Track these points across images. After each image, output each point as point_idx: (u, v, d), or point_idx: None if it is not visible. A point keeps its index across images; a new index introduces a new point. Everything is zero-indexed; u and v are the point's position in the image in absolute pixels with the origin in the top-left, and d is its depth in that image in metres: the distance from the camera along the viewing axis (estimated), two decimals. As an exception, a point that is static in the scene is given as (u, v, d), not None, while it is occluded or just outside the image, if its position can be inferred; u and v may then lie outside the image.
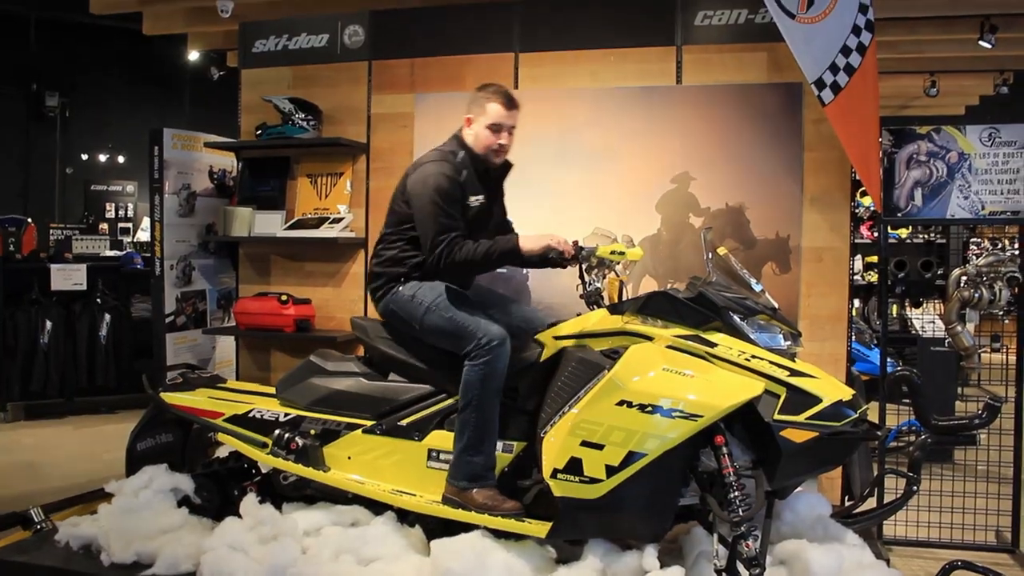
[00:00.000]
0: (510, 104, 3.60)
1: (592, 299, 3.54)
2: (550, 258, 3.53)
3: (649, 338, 3.26)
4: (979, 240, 9.78)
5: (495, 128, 3.58)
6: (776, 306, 3.40)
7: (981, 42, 6.95)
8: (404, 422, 3.64)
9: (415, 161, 3.75)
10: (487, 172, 3.70)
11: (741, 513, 2.95)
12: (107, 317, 7.51)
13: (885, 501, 3.93)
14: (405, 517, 3.57)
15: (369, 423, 3.69)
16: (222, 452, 4.32)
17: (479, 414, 3.40)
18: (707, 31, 4.60)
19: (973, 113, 10.25)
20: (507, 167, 3.81)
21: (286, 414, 3.83)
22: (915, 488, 3.41)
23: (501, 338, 3.42)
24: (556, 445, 3.16)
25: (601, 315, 3.48)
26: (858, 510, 3.69)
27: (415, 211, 3.57)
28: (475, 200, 3.61)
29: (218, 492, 4.03)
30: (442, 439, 3.55)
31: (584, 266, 3.54)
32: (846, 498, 4.34)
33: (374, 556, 3.36)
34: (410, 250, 3.66)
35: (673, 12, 4.62)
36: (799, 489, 3.56)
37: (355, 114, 5.10)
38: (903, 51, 7.68)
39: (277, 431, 3.75)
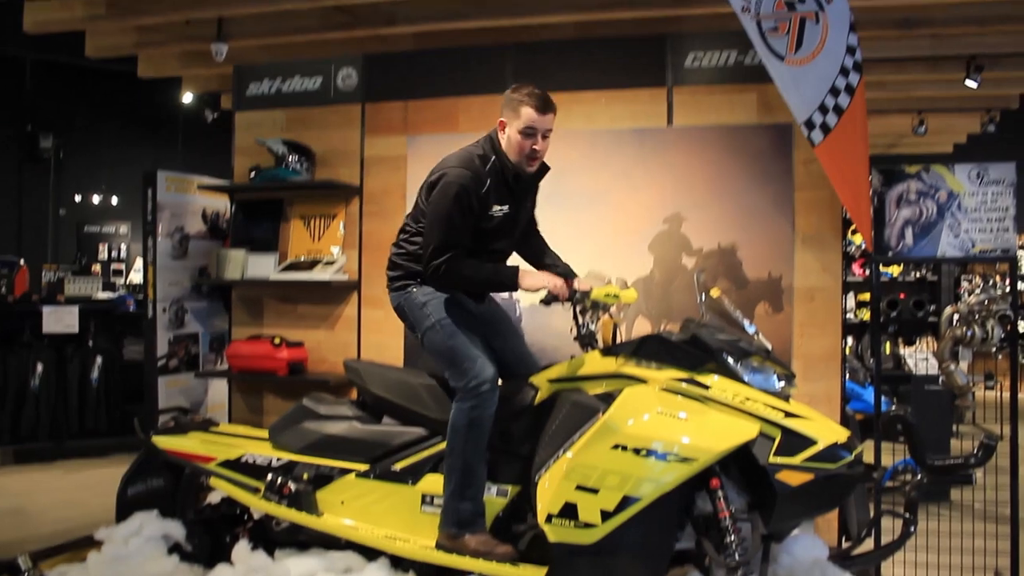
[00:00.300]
0: (545, 107, 3.40)
1: (586, 341, 3.53)
2: (544, 299, 3.52)
3: (643, 381, 3.25)
4: (970, 277, 9.82)
5: (528, 133, 3.39)
6: (770, 348, 3.40)
7: (967, 81, 7.04)
8: (398, 466, 3.62)
9: (443, 160, 3.57)
10: (518, 177, 3.53)
11: (737, 557, 2.93)
12: (99, 360, 7.46)
13: (882, 542, 3.90)
14: (399, 563, 3.53)
15: (363, 467, 3.67)
16: (214, 498, 4.28)
17: (465, 460, 3.35)
18: (697, 73, 4.64)
19: (961, 151, 10.35)
20: (543, 170, 3.66)
21: (279, 459, 3.80)
22: (912, 528, 3.38)
23: (492, 383, 3.38)
24: (551, 489, 3.14)
25: (595, 358, 3.47)
26: (855, 552, 3.67)
27: (428, 213, 3.45)
28: (499, 210, 3.47)
29: (210, 539, 3.99)
30: (436, 483, 3.52)
31: (578, 308, 3.53)
32: (843, 539, 4.30)
33: (367, 603, 3.32)
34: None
35: (663, 54, 4.67)
36: (795, 532, 3.53)
37: (348, 156, 5.12)
38: (891, 91, 7.77)
39: (270, 476, 3.72)
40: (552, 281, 3.46)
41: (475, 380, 3.37)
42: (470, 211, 3.39)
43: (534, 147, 3.41)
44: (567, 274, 3.67)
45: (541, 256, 3.84)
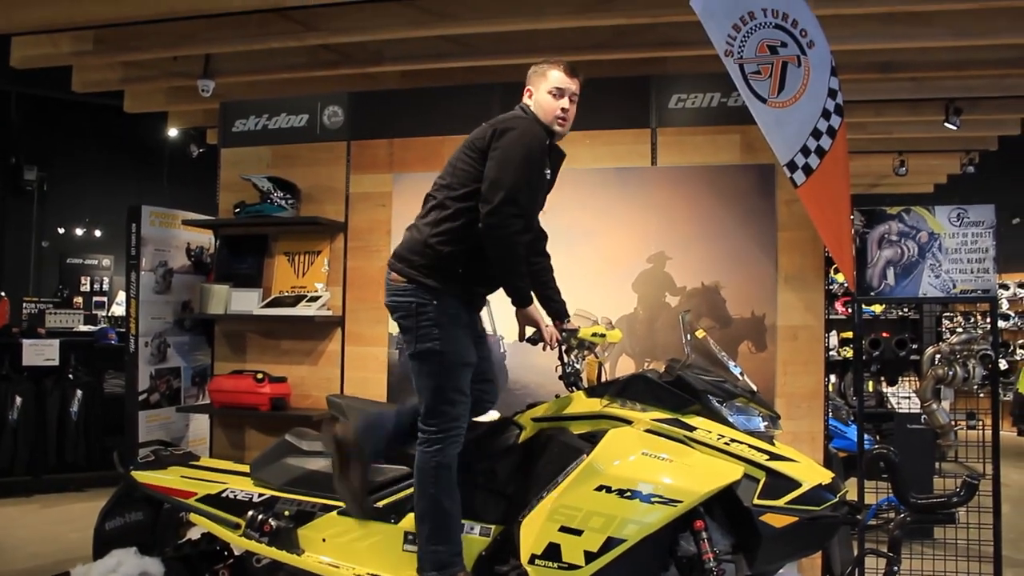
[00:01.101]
0: (572, 71, 3.37)
1: (571, 381, 3.53)
2: (530, 337, 3.52)
3: (628, 422, 3.24)
4: (952, 315, 9.91)
5: (557, 93, 3.33)
6: (755, 389, 3.41)
7: (947, 124, 7.15)
8: (381, 504, 3.58)
9: (499, 118, 3.38)
10: (552, 143, 3.43)
11: (721, 598, 2.91)
12: (79, 393, 7.39)
13: (866, 583, 3.89)
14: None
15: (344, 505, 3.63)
16: (194, 533, 4.23)
17: (436, 503, 3.27)
18: (681, 114, 4.70)
19: (942, 191, 10.48)
20: (561, 156, 3.55)
21: (260, 494, 3.76)
22: (896, 568, 3.39)
23: (463, 425, 3.31)
24: (534, 530, 3.12)
25: (580, 398, 3.46)
26: (839, 592, 3.66)
27: (499, 156, 3.20)
28: (547, 174, 3.42)
29: (189, 575, 3.94)
30: None
31: (564, 347, 3.53)
32: (827, 579, 4.29)
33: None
34: (462, 237, 3.30)
35: (647, 95, 4.73)
36: (779, 572, 3.52)
37: (333, 193, 5.13)
38: (872, 132, 7.89)
39: (250, 512, 3.68)
40: (549, 331, 3.41)
41: (452, 423, 3.28)
42: (541, 165, 3.33)
43: (563, 106, 3.35)
44: (560, 314, 3.65)
45: (543, 280, 3.72)
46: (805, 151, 4.05)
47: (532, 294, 3.41)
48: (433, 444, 3.27)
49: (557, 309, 3.65)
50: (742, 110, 4.21)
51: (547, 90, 3.34)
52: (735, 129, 4.59)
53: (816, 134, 4.06)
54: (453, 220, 3.30)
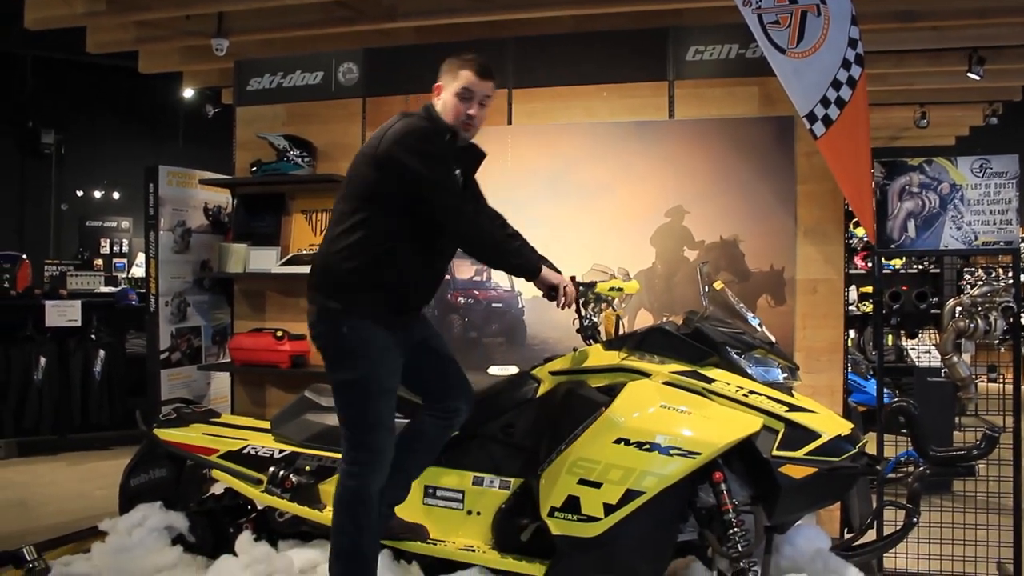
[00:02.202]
0: (484, 72, 3.11)
1: (589, 334, 3.53)
2: (547, 293, 3.50)
3: (646, 374, 3.25)
4: (973, 269, 9.82)
5: (464, 96, 3.08)
6: (773, 340, 3.40)
7: (969, 74, 7.02)
8: None
9: (386, 128, 3.12)
10: (458, 145, 3.19)
11: (740, 549, 2.94)
12: (102, 353, 7.47)
13: (885, 533, 3.90)
14: (401, 555, 3.54)
15: None
16: (217, 488, 4.29)
17: (352, 545, 3.06)
18: (699, 66, 4.64)
19: (964, 144, 10.33)
20: (479, 156, 3.32)
21: (281, 450, 3.80)
22: (915, 520, 3.39)
23: (385, 457, 3.09)
24: (553, 483, 3.14)
25: (598, 351, 3.47)
26: (858, 543, 3.67)
27: (414, 159, 2.96)
28: (457, 173, 3.15)
29: (213, 530, 4.00)
30: (439, 475, 3.53)
31: (581, 301, 3.53)
32: (845, 531, 4.31)
33: (371, 595, 3.32)
34: (362, 251, 3.04)
35: (665, 48, 4.67)
36: (798, 523, 3.54)
37: (349, 150, 5.05)
38: (893, 83, 7.76)
39: (272, 468, 3.73)
40: (565, 284, 3.25)
41: (371, 455, 3.06)
42: (448, 159, 3.10)
43: (469, 112, 3.09)
44: (534, 271, 3.42)
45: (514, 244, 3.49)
46: (825, 102, 3.99)
47: (536, 261, 3.26)
48: (352, 477, 3.06)
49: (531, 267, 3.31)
50: (760, 61, 4.15)
51: (455, 91, 3.09)
52: (753, 81, 4.54)
53: (836, 84, 4.00)
54: (350, 233, 3.04)
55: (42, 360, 7.23)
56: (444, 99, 3.12)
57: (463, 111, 3.10)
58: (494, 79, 3.17)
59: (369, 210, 3.03)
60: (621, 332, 3.62)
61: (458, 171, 3.14)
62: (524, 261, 3.21)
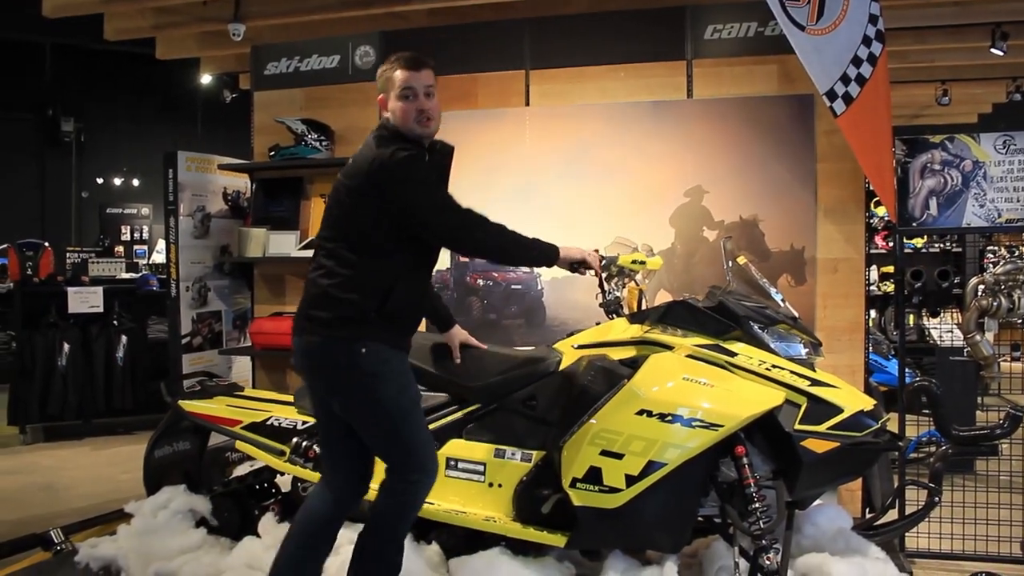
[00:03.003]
0: (413, 63, 2.98)
1: (611, 308, 3.53)
2: (575, 269, 3.49)
3: (669, 347, 3.25)
4: (995, 248, 9.72)
5: (407, 95, 2.94)
6: (796, 315, 3.39)
7: (992, 50, 6.92)
8: None
9: (356, 158, 3.03)
10: (437, 162, 3.09)
11: (762, 525, 2.94)
12: (124, 339, 7.54)
13: (906, 513, 3.89)
14: (423, 535, 3.56)
15: None
16: (240, 471, 4.33)
17: (385, 551, 3.02)
18: (717, 45, 4.61)
19: (986, 121, 10.20)
20: (447, 152, 3.17)
21: (304, 422, 3.82)
22: (937, 499, 3.38)
23: (433, 473, 3.00)
24: (575, 454, 3.15)
25: (621, 324, 3.47)
26: (879, 522, 3.67)
27: (399, 196, 2.88)
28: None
29: (237, 511, 4.03)
30: (460, 448, 3.54)
31: (604, 275, 3.52)
32: (867, 510, 4.30)
33: (393, 575, 3.34)
34: (360, 284, 2.90)
35: (683, 26, 4.64)
36: (819, 502, 3.53)
37: (367, 134, 5.09)
38: (914, 60, 7.66)
39: (295, 439, 3.74)
40: (588, 254, 3.23)
41: (422, 473, 2.97)
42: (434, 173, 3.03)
43: (419, 107, 2.94)
44: (449, 320, 3.61)
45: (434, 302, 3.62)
46: (845, 79, 3.96)
47: (550, 245, 3.14)
48: (404, 494, 2.98)
49: (445, 317, 3.59)
50: (780, 39, 4.12)
51: (396, 96, 2.96)
52: (773, 59, 4.51)
53: (856, 61, 3.97)
54: (348, 267, 2.91)
55: (65, 346, 7.31)
56: (391, 108, 2.98)
57: (412, 110, 2.95)
58: (428, 66, 3.01)
59: (363, 243, 2.91)
60: (643, 307, 3.62)
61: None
62: (541, 249, 3.12)
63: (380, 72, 3.04)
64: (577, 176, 4.69)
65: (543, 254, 3.14)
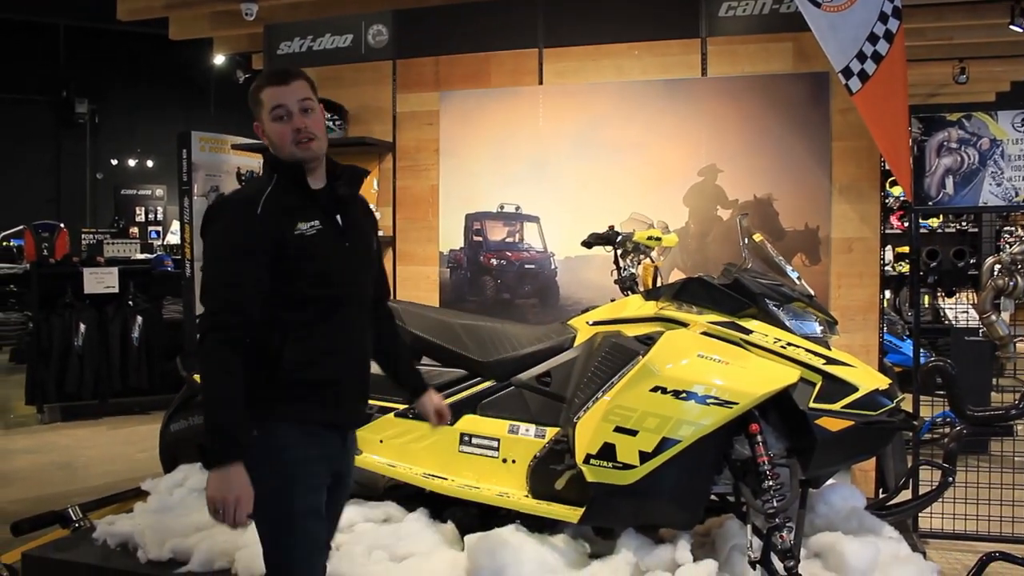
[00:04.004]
0: (281, 77, 2.46)
1: (627, 284, 3.53)
2: (584, 241, 3.43)
3: (684, 324, 3.24)
4: (1012, 228, 9.65)
5: (278, 115, 2.40)
6: (812, 293, 3.38)
7: (1012, 26, 6.84)
8: None
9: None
10: (331, 193, 2.46)
11: (776, 503, 2.94)
12: (139, 319, 7.60)
13: (920, 493, 3.89)
14: (438, 513, 3.58)
15: (401, 407, 3.67)
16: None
17: None
18: (732, 22, 4.57)
19: (1005, 99, 10.10)
20: (355, 179, 2.54)
21: None
22: (951, 479, 3.37)
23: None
24: (589, 431, 3.15)
25: (636, 301, 3.47)
26: (893, 502, 3.66)
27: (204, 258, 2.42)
28: (306, 227, 2.36)
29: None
30: (474, 424, 3.56)
31: (620, 251, 3.51)
32: (880, 490, 4.29)
33: (407, 552, 3.37)
34: (264, 338, 2.32)
35: (697, 4, 4.60)
36: (832, 481, 3.53)
37: (380, 113, 5.12)
38: (931, 38, 7.59)
39: None
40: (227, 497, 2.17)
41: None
42: (247, 243, 2.30)
43: (295, 127, 2.39)
44: (419, 388, 2.78)
45: (391, 350, 2.75)
46: (861, 57, 3.93)
47: (228, 445, 2.21)
48: None
49: (416, 387, 2.78)
50: (795, 16, 4.09)
51: (269, 117, 2.42)
52: (788, 36, 4.46)
53: (872, 39, 3.93)
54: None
55: (82, 327, 7.37)
56: (267, 132, 2.45)
57: (289, 130, 2.41)
58: (299, 77, 2.47)
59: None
60: (658, 284, 3.61)
61: (315, 222, 2.37)
62: (230, 424, 2.21)
63: (250, 99, 2.50)
64: (590, 155, 4.67)
65: (219, 434, 2.21)
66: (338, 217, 2.44)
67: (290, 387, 2.34)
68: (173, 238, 11.85)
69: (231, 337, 2.24)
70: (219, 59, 8.94)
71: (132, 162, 15.47)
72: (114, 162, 15.33)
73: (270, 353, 2.32)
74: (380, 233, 3.32)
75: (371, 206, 2.69)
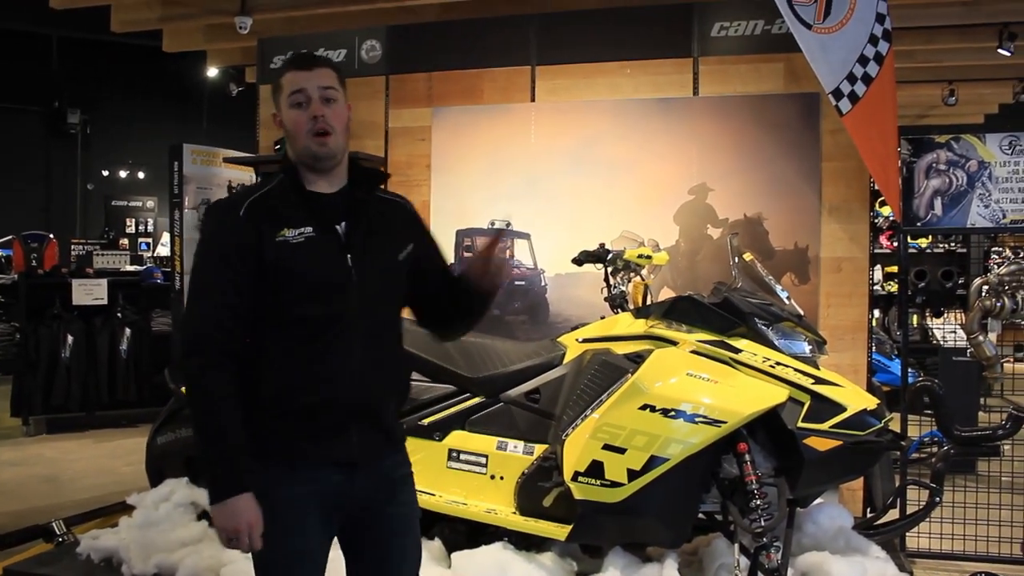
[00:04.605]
0: (303, 62, 2.19)
1: (617, 302, 3.54)
2: (575, 259, 3.44)
3: (674, 343, 3.25)
4: (1000, 249, 9.71)
5: (297, 101, 2.12)
6: (801, 313, 3.39)
7: (1000, 50, 6.91)
8: (425, 422, 3.62)
9: None
10: (351, 196, 2.18)
11: (763, 522, 2.94)
12: (127, 331, 7.56)
13: (907, 512, 3.89)
14: (425, 530, 3.56)
15: None
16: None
17: None
18: (724, 42, 4.60)
19: (992, 122, 10.18)
20: (374, 179, 2.28)
21: None
22: (938, 499, 3.38)
23: None
24: (578, 448, 3.16)
25: (626, 319, 3.48)
26: (880, 522, 3.67)
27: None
28: (294, 234, 2.07)
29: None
30: (463, 440, 3.55)
31: (610, 269, 3.52)
32: (868, 510, 4.30)
33: (395, 568, 3.35)
34: (251, 358, 2.08)
35: (689, 24, 4.64)
36: (820, 501, 3.54)
37: (373, 128, 5.12)
38: (921, 60, 7.65)
39: None
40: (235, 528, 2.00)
41: None
42: (222, 252, 2.07)
43: (314, 115, 2.11)
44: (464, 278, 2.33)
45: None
46: (851, 78, 3.96)
47: (241, 479, 2.01)
48: None
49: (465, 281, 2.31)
50: (786, 37, 4.12)
51: (287, 103, 2.15)
52: (779, 57, 4.50)
53: (863, 60, 3.96)
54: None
55: (69, 338, 7.33)
56: (284, 122, 2.17)
57: (305, 119, 2.12)
58: (323, 64, 2.21)
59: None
60: (648, 301, 3.62)
61: (307, 228, 2.09)
62: (227, 462, 2.01)
63: (272, 83, 2.26)
64: (581, 172, 4.69)
65: (216, 472, 2.02)
66: (341, 226, 2.12)
67: (276, 418, 2.08)
68: (163, 250, 11.82)
69: (211, 361, 2.01)
70: (212, 72, 8.94)
71: (123, 173, 15.44)
72: (105, 173, 15.30)
73: (253, 378, 2.07)
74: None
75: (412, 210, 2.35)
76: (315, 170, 2.15)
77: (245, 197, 2.14)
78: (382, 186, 2.32)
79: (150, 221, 14.79)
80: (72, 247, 11.10)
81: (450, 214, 4.88)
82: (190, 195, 5.57)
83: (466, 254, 4.85)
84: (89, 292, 7.41)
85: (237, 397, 2.03)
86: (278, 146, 5.17)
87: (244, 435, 2.01)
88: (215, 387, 2.02)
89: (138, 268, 9.44)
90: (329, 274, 2.09)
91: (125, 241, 13.85)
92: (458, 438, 3.56)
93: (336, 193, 2.17)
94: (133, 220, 14.70)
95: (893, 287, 8.56)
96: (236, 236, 2.06)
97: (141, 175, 15.56)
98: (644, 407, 3.05)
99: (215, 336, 2.03)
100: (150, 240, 14.38)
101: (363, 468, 2.13)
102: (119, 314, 7.57)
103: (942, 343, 6.98)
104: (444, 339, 2.59)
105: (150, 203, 14.98)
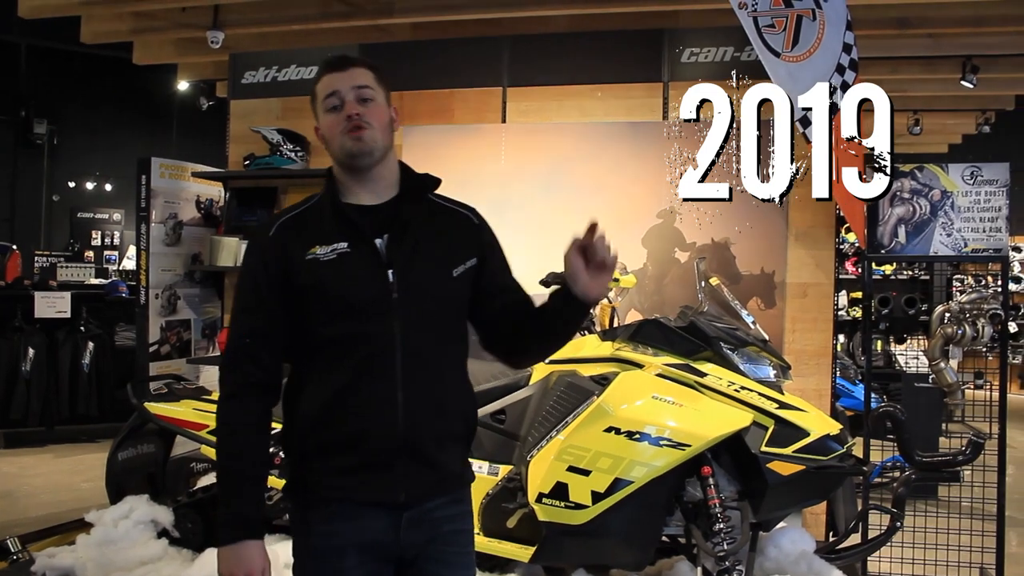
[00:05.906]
0: (336, 64, 2.07)
1: (584, 324, 3.54)
2: (543, 280, 3.46)
3: (639, 365, 3.27)
4: (963, 277, 9.87)
5: (333, 103, 2.00)
6: (767, 338, 3.43)
7: (963, 82, 7.05)
8: None
9: None
10: (396, 207, 2.02)
11: (726, 546, 2.95)
12: (91, 345, 7.45)
13: (869, 537, 3.92)
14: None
15: None
16: (205, 481, 4.29)
17: None
18: (693, 68, 4.66)
19: (956, 151, 10.38)
20: (424, 185, 2.14)
21: (273, 428, 3.77)
22: (899, 524, 3.41)
23: None
24: (542, 470, 3.16)
25: (592, 341, 3.49)
26: (842, 546, 3.69)
27: None
28: (325, 251, 1.92)
29: (200, 522, 3.99)
30: None
31: None
32: (830, 534, 4.32)
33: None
34: (289, 384, 2.03)
35: (660, 49, 4.69)
36: (783, 524, 3.56)
37: (344, 145, 5.10)
38: (887, 89, 7.65)
39: None
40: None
41: None
42: (254, 274, 1.98)
43: (349, 114, 1.97)
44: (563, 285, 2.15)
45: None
46: (818, 106, 4.00)
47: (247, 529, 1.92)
48: None
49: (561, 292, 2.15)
50: (755, 64, 4.17)
51: (323, 108, 2.03)
52: (748, 84, 4.54)
53: (830, 89, 4.01)
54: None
55: (30, 351, 7.21)
56: (321, 126, 2.05)
57: (340, 121, 1.99)
58: (358, 65, 2.08)
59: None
60: (615, 324, 3.64)
61: (343, 244, 1.93)
62: (231, 513, 1.91)
63: (310, 91, 2.14)
64: (552, 193, 4.71)
65: (223, 519, 1.92)
66: (382, 239, 1.95)
67: (311, 452, 1.94)
68: (129, 263, 11.68)
69: (234, 391, 1.95)
70: (183, 85, 8.89)
71: (90, 185, 15.25)
72: (72, 184, 15.10)
73: (288, 408, 1.98)
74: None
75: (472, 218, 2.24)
76: (354, 173, 1.98)
77: (280, 217, 2.03)
78: (441, 194, 2.17)
79: (116, 234, 14.62)
80: (36, 259, 10.97)
81: (420, 233, 4.87)
82: (157, 209, 5.52)
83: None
84: (52, 305, 7.30)
85: (261, 430, 1.94)
86: (247, 161, 5.15)
87: (265, 470, 1.93)
88: (233, 418, 1.95)
89: (103, 281, 9.33)
90: (363, 291, 1.91)
91: (90, 254, 13.69)
92: None
93: (380, 205, 2.01)
94: (99, 232, 14.53)
95: (858, 313, 8.66)
96: (264, 260, 1.95)
97: (108, 187, 15.38)
98: (609, 429, 3.06)
99: (243, 366, 1.95)
100: (116, 253, 14.21)
101: (411, 513, 1.92)
102: (82, 328, 7.46)
103: (905, 369, 7.07)
104: (514, 366, 2.37)
105: (116, 216, 14.81)
